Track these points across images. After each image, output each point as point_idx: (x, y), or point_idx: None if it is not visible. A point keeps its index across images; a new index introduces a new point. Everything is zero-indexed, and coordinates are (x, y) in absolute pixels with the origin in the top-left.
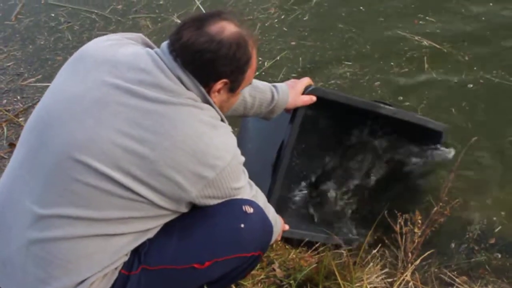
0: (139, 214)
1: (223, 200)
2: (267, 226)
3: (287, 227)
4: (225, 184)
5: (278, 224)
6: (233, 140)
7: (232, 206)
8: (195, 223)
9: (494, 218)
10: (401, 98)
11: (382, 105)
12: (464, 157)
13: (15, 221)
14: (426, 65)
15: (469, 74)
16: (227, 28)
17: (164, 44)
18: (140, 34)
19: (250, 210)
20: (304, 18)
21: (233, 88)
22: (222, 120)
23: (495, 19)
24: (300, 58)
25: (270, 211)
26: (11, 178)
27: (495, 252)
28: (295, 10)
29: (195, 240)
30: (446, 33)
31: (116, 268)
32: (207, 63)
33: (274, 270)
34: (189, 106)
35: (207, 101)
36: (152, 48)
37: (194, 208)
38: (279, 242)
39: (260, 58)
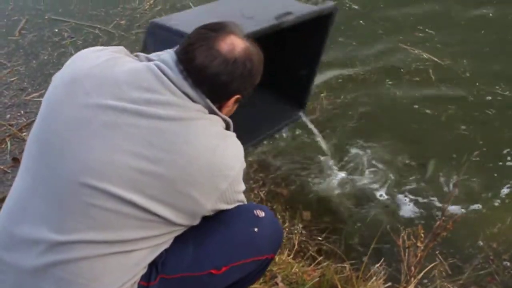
0: (156, 233)
1: (231, 206)
2: (278, 229)
3: None
4: (233, 190)
5: None
6: (241, 148)
7: (245, 212)
8: (210, 229)
9: (497, 231)
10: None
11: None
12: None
13: (27, 247)
14: None
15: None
16: (237, 44)
17: (169, 59)
18: (122, 47)
19: (261, 214)
20: None
21: (241, 100)
22: (228, 127)
23: None
24: None
25: None
26: (20, 205)
27: (499, 264)
28: None
29: (211, 246)
30: None
31: (135, 282)
32: (222, 85)
33: (277, 284)
34: (198, 119)
35: (213, 111)
36: (137, 60)
37: (207, 216)
38: (282, 257)
39: None
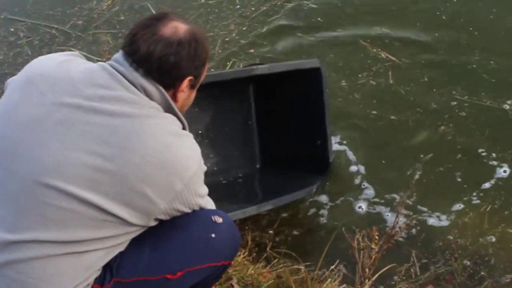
0: (110, 233)
1: (189, 210)
2: (235, 235)
3: None
4: (192, 192)
5: None
6: (197, 148)
7: (202, 217)
8: (167, 234)
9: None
10: None
11: (254, 66)
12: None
13: None
14: None
15: None
16: (180, 27)
17: (119, 56)
18: (76, 52)
19: (219, 220)
20: (262, 30)
21: (194, 84)
22: (184, 128)
23: None
24: None
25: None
26: None
27: (454, 265)
28: (256, 26)
29: (167, 250)
30: None
31: (88, 284)
32: (172, 67)
33: (232, 286)
34: (153, 117)
35: (170, 109)
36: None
37: (164, 220)
38: (237, 258)
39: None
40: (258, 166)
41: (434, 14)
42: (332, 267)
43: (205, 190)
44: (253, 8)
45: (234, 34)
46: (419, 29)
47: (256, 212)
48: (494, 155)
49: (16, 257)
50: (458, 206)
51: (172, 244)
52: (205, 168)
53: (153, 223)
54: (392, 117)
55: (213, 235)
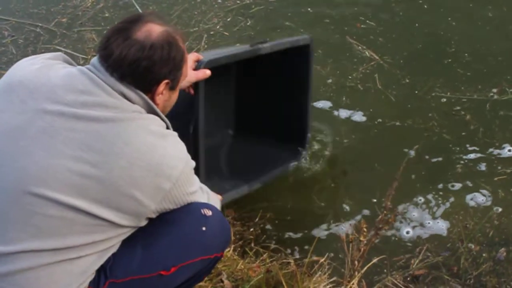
0: (102, 237)
1: (179, 206)
2: (226, 227)
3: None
4: (181, 191)
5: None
6: (183, 146)
7: (192, 211)
8: (157, 231)
9: (443, 224)
10: None
11: (260, 45)
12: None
13: None
14: None
15: None
16: (154, 30)
17: (95, 61)
18: (60, 53)
19: (209, 213)
20: (248, 23)
21: (173, 86)
22: (168, 128)
23: None
24: None
25: (213, 198)
26: None
27: (443, 256)
28: (240, 20)
29: (159, 247)
30: None
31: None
32: (145, 71)
33: (222, 281)
34: (136, 119)
35: (152, 111)
36: (74, 65)
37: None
38: (227, 253)
39: None
40: (231, 132)
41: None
42: (322, 260)
43: (195, 186)
44: (238, 1)
45: (218, 27)
46: None
47: (247, 192)
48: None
49: (8, 269)
50: (449, 202)
51: (164, 240)
52: (193, 164)
53: (144, 223)
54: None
55: (204, 229)
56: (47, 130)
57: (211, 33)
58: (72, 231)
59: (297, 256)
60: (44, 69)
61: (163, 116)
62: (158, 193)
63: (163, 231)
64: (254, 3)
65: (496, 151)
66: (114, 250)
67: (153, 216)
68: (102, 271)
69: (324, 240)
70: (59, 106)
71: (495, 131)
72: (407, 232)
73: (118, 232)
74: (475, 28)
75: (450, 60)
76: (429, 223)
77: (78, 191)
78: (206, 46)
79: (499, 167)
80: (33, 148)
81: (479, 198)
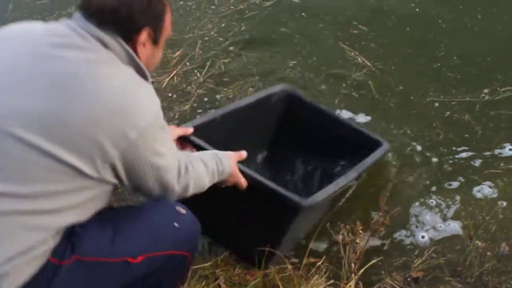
0: (63, 187)
1: (146, 169)
2: (197, 228)
3: (244, 154)
4: (147, 146)
5: (226, 162)
6: (156, 100)
7: (167, 205)
8: (131, 217)
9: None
10: None
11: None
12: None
13: None
14: None
15: None
16: None
17: (76, 13)
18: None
19: (183, 211)
20: (242, 29)
21: (156, 38)
22: (146, 80)
23: None
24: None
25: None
26: None
27: (439, 259)
28: (234, 26)
29: (130, 233)
30: None
31: (44, 253)
32: (125, 18)
33: (219, 286)
34: (110, 64)
35: (131, 60)
36: None
37: (130, 205)
38: (224, 258)
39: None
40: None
41: None
42: (319, 263)
43: (164, 148)
44: (232, 7)
45: (212, 32)
46: None
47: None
48: None
49: None
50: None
51: (135, 228)
52: (164, 125)
53: (109, 177)
54: None
55: (176, 224)
56: (20, 70)
57: (206, 38)
58: (32, 176)
59: (294, 260)
60: (29, 24)
61: (143, 66)
62: (122, 140)
63: (136, 218)
64: (248, 8)
65: (497, 151)
66: (79, 217)
67: (123, 174)
68: (69, 244)
69: (320, 243)
70: (34, 46)
71: (495, 131)
72: (407, 236)
73: (80, 183)
74: (465, 30)
75: (439, 64)
76: (440, 226)
77: (41, 129)
78: (200, 52)
79: (501, 164)
80: (2, 85)
81: (485, 190)
